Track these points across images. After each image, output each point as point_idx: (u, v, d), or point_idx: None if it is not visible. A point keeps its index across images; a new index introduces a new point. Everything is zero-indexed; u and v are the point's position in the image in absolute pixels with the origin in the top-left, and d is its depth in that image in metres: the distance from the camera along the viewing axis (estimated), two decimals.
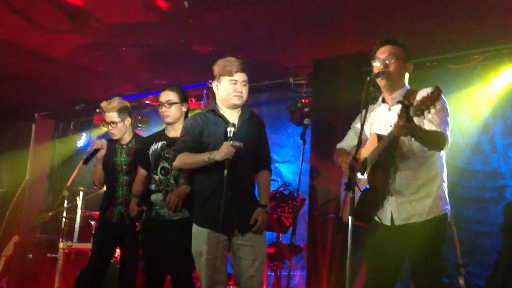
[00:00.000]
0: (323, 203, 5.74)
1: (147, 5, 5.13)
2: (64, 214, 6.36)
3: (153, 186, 4.19)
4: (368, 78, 3.23)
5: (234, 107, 3.71)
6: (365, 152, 3.38)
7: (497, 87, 5.64)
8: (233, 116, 3.70)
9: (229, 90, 3.65)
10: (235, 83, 3.65)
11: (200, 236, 3.58)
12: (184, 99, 4.31)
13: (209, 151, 3.58)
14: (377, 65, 3.42)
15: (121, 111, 4.64)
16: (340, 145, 3.77)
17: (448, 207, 3.31)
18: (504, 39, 5.39)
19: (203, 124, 3.66)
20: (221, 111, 3.71)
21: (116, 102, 4.67)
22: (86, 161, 4.79)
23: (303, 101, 6.33)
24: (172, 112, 4.23)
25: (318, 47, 5.88)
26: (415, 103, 2.82)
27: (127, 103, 4.81)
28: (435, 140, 3.13)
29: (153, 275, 4.13)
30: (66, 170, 8.65)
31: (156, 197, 4.16)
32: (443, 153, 3.32)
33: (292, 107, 6.40)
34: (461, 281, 4.88)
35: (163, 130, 4.36)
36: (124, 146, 4.72)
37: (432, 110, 2.94)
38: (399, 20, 5.21)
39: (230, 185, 3.50)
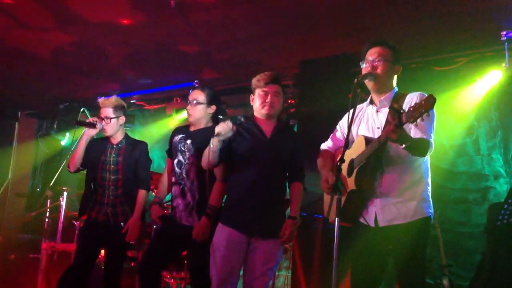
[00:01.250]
0: (309, 203, 5.74)
1: (133, 4, 5.09)
2: (47, 214, 6.29)
3: (173, 178, 4.26)
4: (355, 80, 3.24)
5: (267, 117, 3.85)
6: (352, 153, 3.38)
7: (481, 89, 5.67)
8: (267, 127, 3.84)
9: (260, 100, 3.81)
10: (266, 94, 3.81)
11: (221, 232, 3.72)
12: (211, 102, 4.32)
13: (238, 159, 3.77)
14: (365, 66, 3.42)
15: (117, 108, 4.67)
16: (324, 145, 3.78)
17: (432, 210, 3.33)
18: (488, 42, 5.42)
19: (237, 131, 3.75)
20: (256, 122, 3.85)
21: (113, 99, 4.71)
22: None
23: (289, 101, 6.33)
24: (196, 112, 4.26)
25: (305, 48, 5.87)
26: (407, 110, 2.82)
27: (124, 103, 4.80)
28: (420, 148, 3.14)
29: (146, 268, 4.11)
30: (49, 169, 8.58)
31: (174, 190, 4.23)
32: (428, 157, 3.33)
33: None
34: (445, 282, 4.90)
35: (190, 125, 4.40)
36: (115, 146, 4.70)
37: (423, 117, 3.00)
38: (385, 22, 5.22)
39: (258, 191, 3.67)
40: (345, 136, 3.24)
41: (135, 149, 4.72)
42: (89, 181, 4.72)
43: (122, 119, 4.71)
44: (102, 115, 4.63)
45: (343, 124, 3.71)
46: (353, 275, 3.41)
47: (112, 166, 4.63)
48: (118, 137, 4.72)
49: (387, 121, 3.10)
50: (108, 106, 4.64)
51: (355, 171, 3.27)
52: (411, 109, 2.77)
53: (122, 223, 4.54)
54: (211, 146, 3.64)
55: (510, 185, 5.63)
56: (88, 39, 5.96)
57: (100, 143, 4.76)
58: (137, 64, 6.61)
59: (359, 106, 3.56)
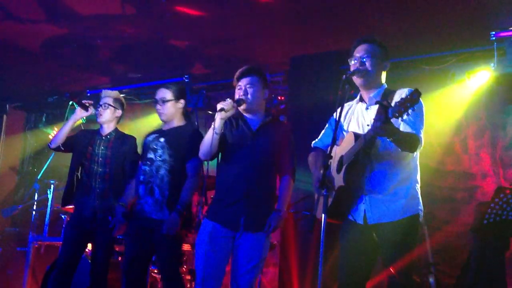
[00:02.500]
0: (297, 200, 5.75)
1: None
2: (35, 207, 6.26)
3: (141, 177, 4.23)
4: (344, 76, 3.24)
5: (245, 111, 3.85)
6: (342, 150, 3.38)
7: (470, 88, 5.70)
8: (254, 120, 3.84)
9: (236, 96, 3.81)
10: (240, 89, 3.81)
11: (205, 227, 3.72)
12: (179, 96, 4.35)
13: (225, 152, 3.76)
14: (353, 63, 3.42)
15: (117, 101, 4.79)
16: (316, 143, 3.77)
17: (421, 207, 3.34)
18: (477, 42, 5.45)
19: (226, 123, 3.76)
20: (244, 116, 3.85)
21: (116, 92, 4.89)
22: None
23: (279, 98, 6.34)
24: (166, 110, 4.29)
25: (295, 44, 5.87)
26: (393, 104, 2.82)
27: (124, 101, 4.90)
28: (409, 143, 3.14)
29: (132, 273, 4.11)
30: (37, 163, 8.53)
31: (141, 190, 4.20)
32: (417, 154, 3.34)
33: (268, 104, 6.38)
34: (431, 280, 4.92)
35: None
36: (103, 138, 4.70)
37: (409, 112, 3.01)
38: (376, 20, 5.23)
39: (242, 185, 3.66)
40: (333, 133, 3.23)
41: (124, 143, 4.72)
42: (74, 170, 4.69)
43: (119, 112, 4.79)
44: (101, 102, 4.72)
45: (333, 120, 3.71)
46: (341, 273, 3.40)
47: (100, 159, 4.62)
48: (109, 129, 4.73)
49: (375, 116, 3.10)
50: (110, 95, 4.78)
51: (344, 167, 3.27)
52: (397, 104, 2.78)
53: (110, 218, 4.52)
54: (213, 126, 3.59)
55: (497, 185, 5.66)
56: (78, 32, 5.92)
57: (89, 133, 4.79)
58: (127, 58, 6.58)
59: (348, 103, 3.56)
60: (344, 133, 3.51)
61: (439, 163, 6.02)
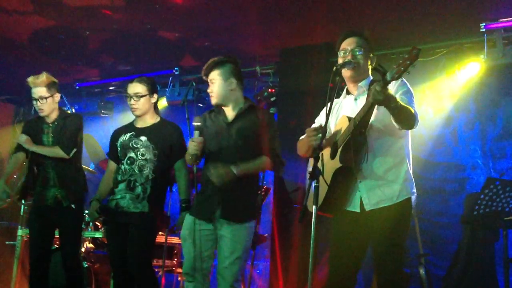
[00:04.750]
0: (288, 193, 5.75)
1: None
2: (23, 201, 6.20)
3: (119, 177, 4.14)
4: (334, 68, 3.22)
5: (216, 106, 3.81)
6: (334, 136, 3.36)
7: (460, 80, 5.71)
8: (231, 112, 3.77)
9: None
10: (209, 85, 3.77)
11: (186, 222, 3.72)
12: (153, 90, 4.22)
13: (208, 146, 3.74)
14: (342, 55, 3.41)
15: (50, 86, 4.49)
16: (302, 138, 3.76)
17: (414, 190, 3.32)
18: (468, 34, 5.46)
19: (205, 119, 3.79)
20: (222, 109, 3.80)
21: (45, 76, 4.50)
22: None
23: (270, 90, 6.30)
24: (141, 105, 4.16)
25: (285, 36, 5.85)
26: (391, 69, 2.78)
27: (55, 79, 4.62)
28: (407, 115, 3.09)
29: (119, 267, 4.06)
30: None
31: (121, 187, 4.12)
32: (409, 139, 3.34)
33: (259, 97, 6.36)
34: (422, 271, 4.94)
35: (132, 122, 4.30)
36: (51, 125, 4.52)
37: (400, 91, 3.08)
38: (366, 12, 5.22)
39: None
40: (324, 125, 3.21)
41: (65, 122, 4.53)
42: (31, 164, 4.55)
43: (57, 96, 4.55)
44: (35, 96, 4.46)
45: (320, 118, 3.69)
46: (331, 264, 3.38)
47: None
48: (54, 116, 4.54)
49: (372, 84, 3.09)
50: (40, 85, 4.46)
51: (339, 150, 3.24)
52: (395, 66, 2.76)
53: (73, 205, 4.42)
54: (195, 139, 3.61)
55: (487, 176, 5.69)
56: (66, 24, 5.85)
57: (35, 124, 4.60)
58: (116, 50, 6.53)
59: (335, 101, 3.53)
60: (333, 129, 3.49)
61: (429, 155, 6.05)
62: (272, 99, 6.28)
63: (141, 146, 4.12)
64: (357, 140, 3.22)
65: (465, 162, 5.93)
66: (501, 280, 4.79)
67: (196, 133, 3.64)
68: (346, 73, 3.37)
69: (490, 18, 5.15)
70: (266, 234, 6.03)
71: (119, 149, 4.19)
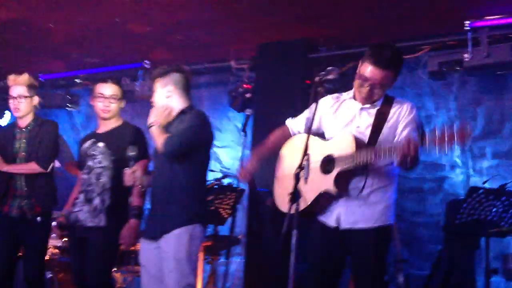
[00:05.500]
0: (263, 193, 5.59)
1: None
2: None
3: (81, 188, 4.00)
4: (317, 79, 3.06)
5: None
6: (329, 148, 3.18)
7: (442, 79, 5.55)
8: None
9: None
10: None
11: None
12: (124, 94, 4.17)
13: None
14: (359, 85, 3.17)
15: (30, 87, 4.35)
16: (290, 121, 3.57)
17: (394, 217, 3.23)
18: (452, 31, 5.30)
19: None
20: None
21: (27, 76, 4.36)
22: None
23: (245, 86, 6.05)
24: (114, 108, 4.05)
25: (261, 31, 5.62)
26: (435, 134, 2.75)
27: (36, 83, 4.48)
28: (415, 165, 3.04)
29: (79, 284, 3.92)
30: None
31: (80, 198, 3.98)
32: None
33: (234, 93, 6.13)
34: (400, 279, 4.83)
35: (95, 128, 4.17)
36: (24, 129, 4.33)
37: (409, 126, 3.08)
38: (346, 8, 5.04)
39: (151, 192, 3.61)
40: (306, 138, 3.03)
41: (40, 130, 4.35)
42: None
43: (36, 99, 4.39)
44: (14, 94, 4.28)
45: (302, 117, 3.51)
46: (310, 275, 3.28)
47: (23, 154, 4.28)
48: (28, 120, 4.35)
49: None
50: (21, 84, 4.31)
51: (336, 171, 3.09)
52: (440, 136, 2.71)
53: (38, 218, 4.21)
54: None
55: (465, 176, 5.62)
56: (28, 16, 5.51)
57: (7, 130, 4.44)
58: (82, 42, 6.20)
59: (336, 95, 3.39)
60: (327, 127, 3.32)
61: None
62: (247, 95, 6.05)
63: (98, 153, 3.95)
64: (359, 171, 3.12)
65: (444, 161, 5.83)
66: None
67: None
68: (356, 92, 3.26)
69: (475, 16, 4.99)
70: (240, 236, 5.89)
71: (81, 158, 4.05)
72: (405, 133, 3.08)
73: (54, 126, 4.44)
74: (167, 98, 3.57)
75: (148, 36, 5.85)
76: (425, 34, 5.42)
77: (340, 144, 3.13)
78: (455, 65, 5.26)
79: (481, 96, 5.68)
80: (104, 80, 4.11)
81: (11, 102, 4.31)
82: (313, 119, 3.08)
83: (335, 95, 3.39)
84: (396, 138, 3.11)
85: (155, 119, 3.50)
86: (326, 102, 3.36)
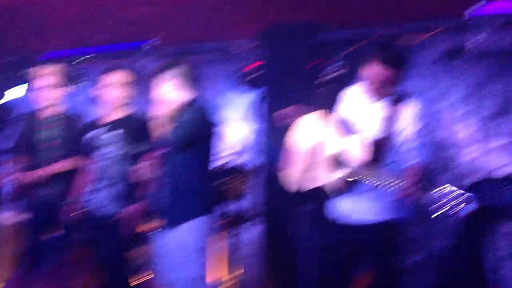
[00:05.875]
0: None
1: None
2: None
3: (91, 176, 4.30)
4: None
5: None
6: (343, 148, 3.26)
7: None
8: None
9: None
10: None
11: None
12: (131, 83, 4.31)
13: None
14: (367, 82, 3.24)
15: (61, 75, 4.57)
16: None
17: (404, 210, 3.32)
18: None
19: None
20: None
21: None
22: None
23: (253, 65, 6.05)
24: (122, 96, 4.21)
25: (271, 11, 5.46)
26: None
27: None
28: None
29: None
30: None
31: (92, 187, 4.27)
32: None
33: (242, 71, 6.15)
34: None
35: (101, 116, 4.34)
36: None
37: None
38: None
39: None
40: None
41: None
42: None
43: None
44: (43, 84, 4.48)
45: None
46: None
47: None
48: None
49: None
50: (50, 73, 4.53)
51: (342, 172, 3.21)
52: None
53: None
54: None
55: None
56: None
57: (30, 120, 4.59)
58: (83, 22, 6.00)
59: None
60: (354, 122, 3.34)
61: None
62: (258, 72, 6.00)
63: (111, 141, 4.14)
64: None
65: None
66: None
67: None
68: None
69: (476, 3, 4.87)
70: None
71: (86, 145, 4.31)
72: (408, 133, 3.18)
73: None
74: (171, 91, 3.68)
75: (153, 17, 5.69)
76: (437, 16, 5.27)
77: (353, 150, 3.21)
78: (468, 47, 5.16)
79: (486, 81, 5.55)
80: (111, 69, 4.19)
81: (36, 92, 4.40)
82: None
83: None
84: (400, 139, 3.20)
85: (160, 111, 3.60)
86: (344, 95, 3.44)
